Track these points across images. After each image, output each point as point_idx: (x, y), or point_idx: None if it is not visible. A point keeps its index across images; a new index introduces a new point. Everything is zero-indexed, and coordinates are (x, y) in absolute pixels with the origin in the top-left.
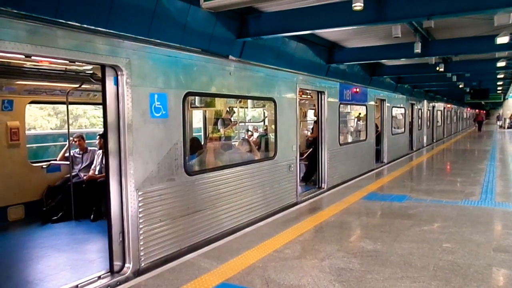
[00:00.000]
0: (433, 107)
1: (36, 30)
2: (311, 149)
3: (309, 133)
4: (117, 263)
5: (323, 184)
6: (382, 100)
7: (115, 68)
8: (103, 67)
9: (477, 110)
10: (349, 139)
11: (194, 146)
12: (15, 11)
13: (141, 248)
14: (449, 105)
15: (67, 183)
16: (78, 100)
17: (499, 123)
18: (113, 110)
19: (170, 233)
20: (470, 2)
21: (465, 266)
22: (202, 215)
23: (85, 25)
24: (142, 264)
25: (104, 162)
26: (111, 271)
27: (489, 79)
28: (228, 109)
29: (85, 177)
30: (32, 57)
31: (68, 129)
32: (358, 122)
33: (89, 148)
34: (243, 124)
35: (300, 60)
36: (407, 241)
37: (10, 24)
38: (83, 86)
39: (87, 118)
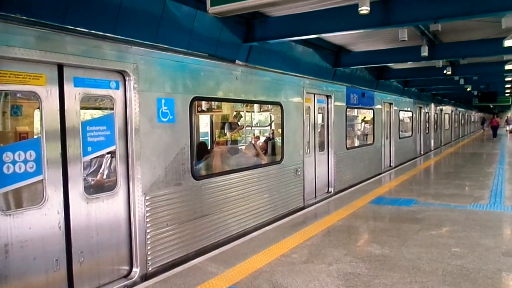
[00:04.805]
0: (441, 110)
1: (45, 36)
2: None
3: None
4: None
5: (330, 188)
6: (390, 104)
7: (122, 73)
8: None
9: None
10: (356, 143)
11: (201, 151)
12: (24, 17)
13: (149, 253)
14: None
15: None
16: (84, 105)
17: (508, 127)
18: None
19: (177, 237)
20: (477, 4)
21: (474, 270)
22: (209, 219)
23: (93, 31)
24: (150, 269)
25: (111, 166)
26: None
27: (497, 82)
28: (235, 113)
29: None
30: None
31: None
32: (365, 126)
33: None
34: (250, 128)
35: (306, 64)
36: (415, 245)
37: (19, 30)
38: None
39: None
